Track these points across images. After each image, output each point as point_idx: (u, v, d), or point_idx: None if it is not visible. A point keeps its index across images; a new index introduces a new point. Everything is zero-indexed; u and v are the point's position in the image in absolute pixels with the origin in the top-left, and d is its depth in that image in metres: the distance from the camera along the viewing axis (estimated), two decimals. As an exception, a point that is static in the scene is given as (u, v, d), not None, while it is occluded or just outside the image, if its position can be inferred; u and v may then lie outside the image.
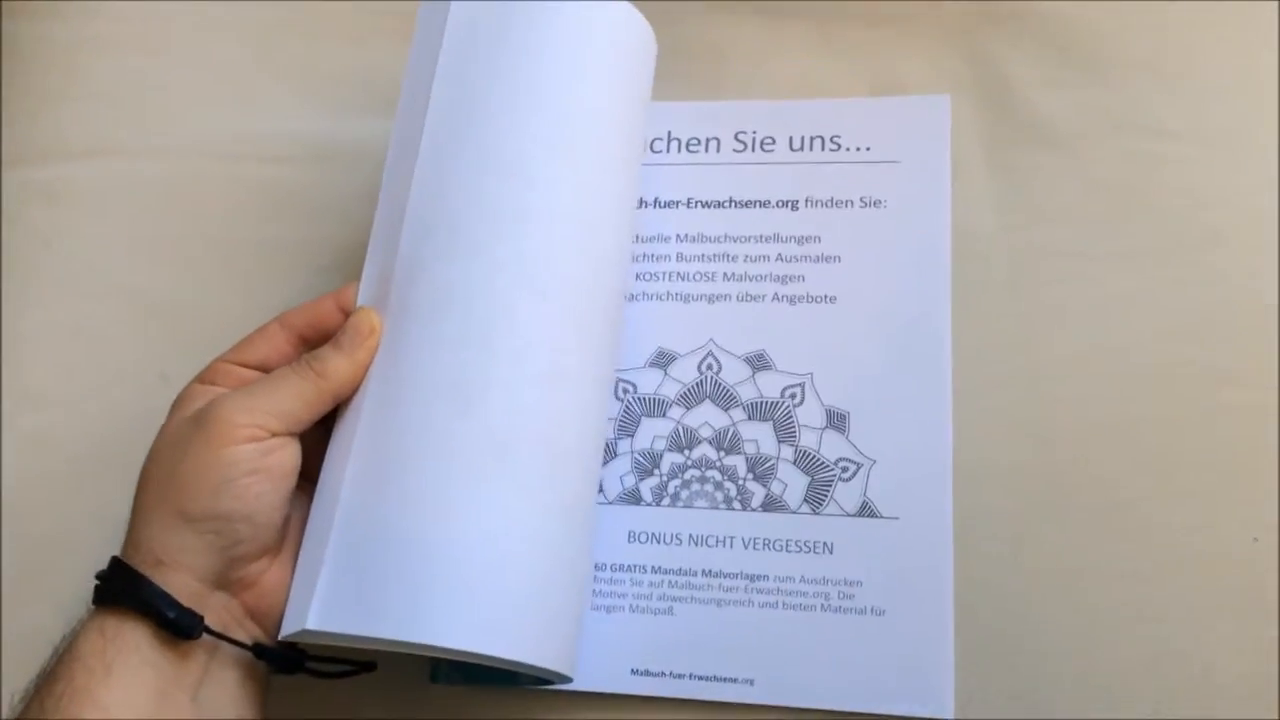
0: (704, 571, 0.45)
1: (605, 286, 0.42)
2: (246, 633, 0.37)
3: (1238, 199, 0.48)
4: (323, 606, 0.34)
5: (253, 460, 0.36)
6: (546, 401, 0.39)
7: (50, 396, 0.51)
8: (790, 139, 0.51)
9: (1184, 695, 0.41)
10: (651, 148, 0.52)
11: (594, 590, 0.45)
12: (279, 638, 0.36)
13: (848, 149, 0.50)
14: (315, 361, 0.38)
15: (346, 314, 0.40)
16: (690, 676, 0.43)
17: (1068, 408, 0.46)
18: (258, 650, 0.37)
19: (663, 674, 0.44)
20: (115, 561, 0.36)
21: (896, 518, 0.44)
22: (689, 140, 0.52)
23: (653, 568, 0.45)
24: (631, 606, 0.45)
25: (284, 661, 0.38)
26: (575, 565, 0.39)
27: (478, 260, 0.39)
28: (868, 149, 0.50)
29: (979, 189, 0.49)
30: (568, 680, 0.40)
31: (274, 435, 0.36)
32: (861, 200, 0.49)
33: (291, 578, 0.37)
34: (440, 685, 0.45)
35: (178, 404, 0.39)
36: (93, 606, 0.35)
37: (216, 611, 0.36)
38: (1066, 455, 0.45)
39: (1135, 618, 0.43)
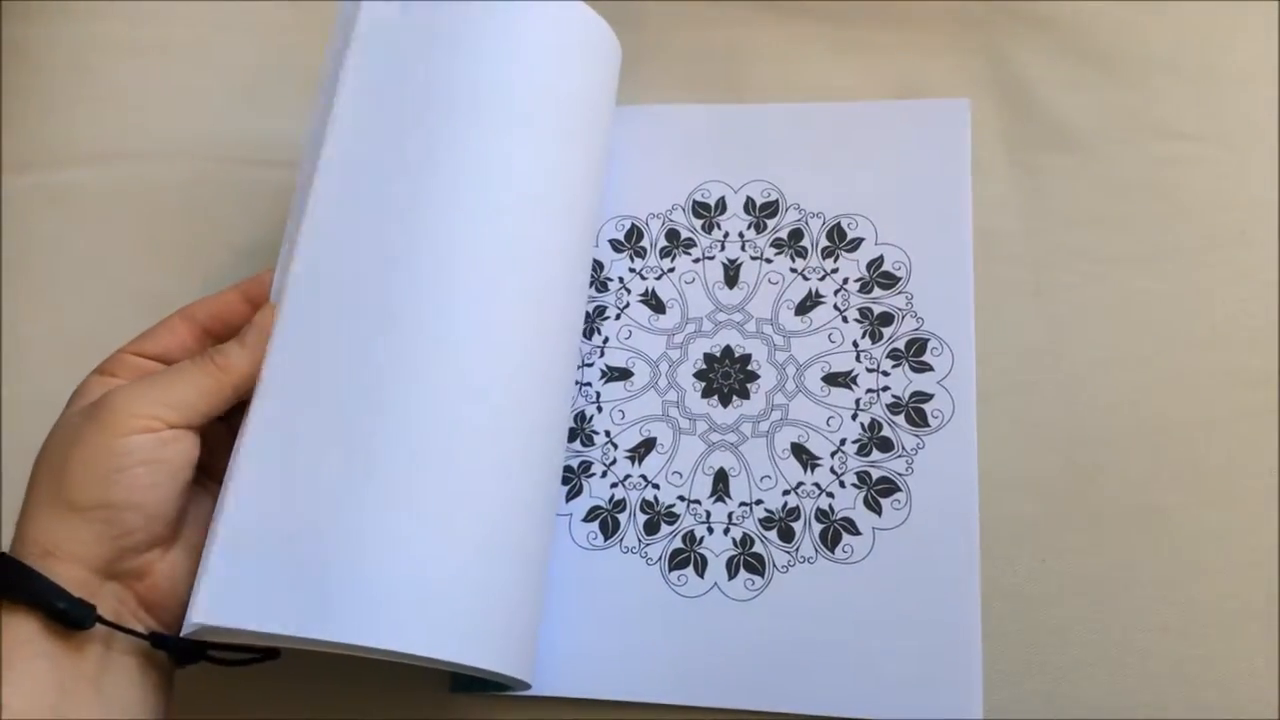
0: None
1: (533, 276, 0.42)
2: (141, 624, 0.36)
3: (1260, 199, 0.48)
4: (223, 602, 0.34)
5: (147, 450, 0.35)
6: (472, 399, 0.38)
7: (55, 401, 0.49)
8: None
9: (1214, 701, 0.41)
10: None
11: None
12: (181, 634, 0.35)
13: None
14: (218, 355, 0.38)
15: (252, 306, 0.40)
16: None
17: (1093, 412, 0.45)
18: (155, 639, 0.36)
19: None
20: (1, 556, 0.35)
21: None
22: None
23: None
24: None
25: (184, 650, 0.37)
26: (507, 564, 0.39)
27: (391, 255, 0.39)
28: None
29: (1001, 192, 0.49)
30: (524, 685, 0.40)
31: (171, 427, 0.36)
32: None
33: (188, 571, 0.37)
34: (460, 695, 0.44)
35: (76, 396, 0.38)
36: None
37: (109, 602, 0.35)
38: (1093, 460, 0.45)
39: (1163, 623, 0.42)
